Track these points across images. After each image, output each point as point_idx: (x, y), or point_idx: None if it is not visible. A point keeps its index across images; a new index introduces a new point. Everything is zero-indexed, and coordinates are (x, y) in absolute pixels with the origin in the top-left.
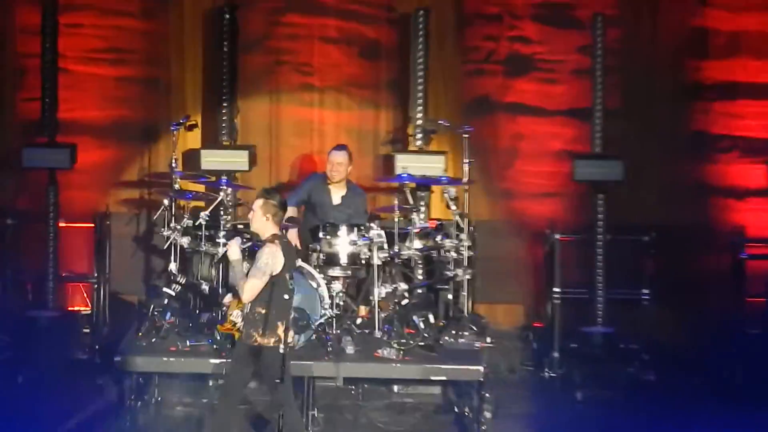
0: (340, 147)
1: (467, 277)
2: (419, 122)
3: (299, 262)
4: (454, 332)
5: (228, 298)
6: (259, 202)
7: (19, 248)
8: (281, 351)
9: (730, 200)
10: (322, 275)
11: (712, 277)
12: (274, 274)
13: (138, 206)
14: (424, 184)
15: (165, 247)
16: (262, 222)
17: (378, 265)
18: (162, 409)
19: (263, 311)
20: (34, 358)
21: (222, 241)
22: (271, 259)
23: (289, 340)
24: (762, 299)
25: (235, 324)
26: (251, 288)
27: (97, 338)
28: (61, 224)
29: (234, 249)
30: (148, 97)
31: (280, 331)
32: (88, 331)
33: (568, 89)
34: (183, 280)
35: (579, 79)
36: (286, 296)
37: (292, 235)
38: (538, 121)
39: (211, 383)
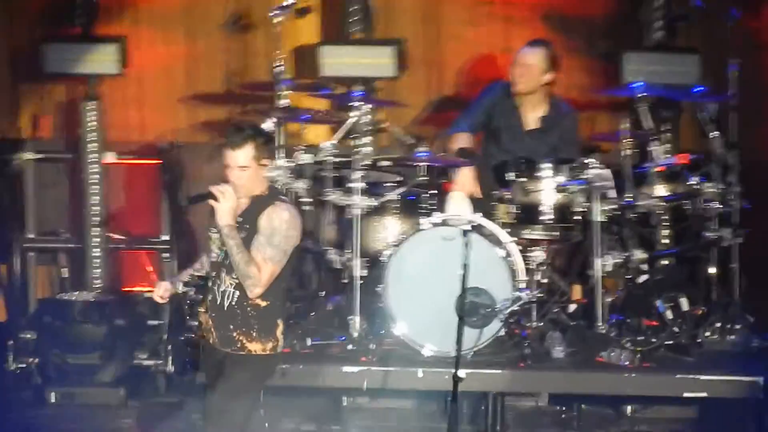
0: (535, 43)
1: (739, 240)
2: (658, 4)
3: (478, 218)
4: (719, 326)
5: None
6: (247, 151)
7: (45, 199)
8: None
9: None
10: (514, 239)
11: None
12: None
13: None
14: (669, 98)
15: None
16: (257, 175)
17: (601, 223)
18: None
19: (263, 303)
20: (71, 364)
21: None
22: (294, 230)
23: (281, 345)
24: None
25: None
26: (271, 277)
27: (170, 336)
28: (109, 160)
29: (224, 208)
30: None
31: (279, 331)
32: (155, 323)
33: None
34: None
35: None
36: (289, 280)
37: (466, 176)
38: None
39: (345, 403)
